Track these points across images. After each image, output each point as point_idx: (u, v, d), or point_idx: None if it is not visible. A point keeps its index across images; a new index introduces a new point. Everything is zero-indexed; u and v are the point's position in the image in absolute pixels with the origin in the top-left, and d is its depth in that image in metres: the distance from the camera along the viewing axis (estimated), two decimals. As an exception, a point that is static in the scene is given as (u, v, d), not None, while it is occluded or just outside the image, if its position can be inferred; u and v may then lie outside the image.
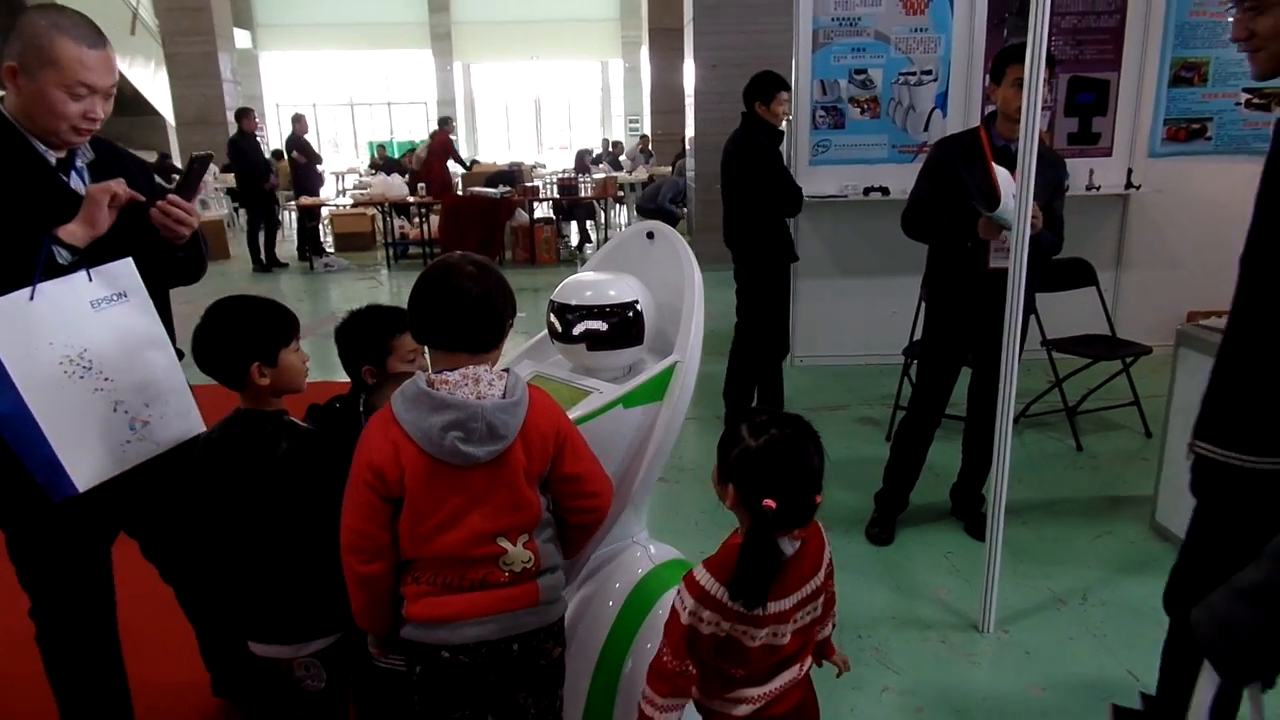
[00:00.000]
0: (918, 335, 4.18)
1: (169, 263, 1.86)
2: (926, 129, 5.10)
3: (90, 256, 1.68)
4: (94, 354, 1.69)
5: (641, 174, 11.93)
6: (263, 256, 9.49)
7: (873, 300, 5.26)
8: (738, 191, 4.08)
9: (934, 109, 5.10)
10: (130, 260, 1.76)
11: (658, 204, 10.08)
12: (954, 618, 2.74)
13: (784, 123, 5.17)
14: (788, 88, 4.07)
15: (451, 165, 11.43)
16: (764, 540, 1.34)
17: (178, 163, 13.82)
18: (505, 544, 1.49)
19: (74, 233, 1.65)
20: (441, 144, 12.15)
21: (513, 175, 11.04)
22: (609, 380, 1.92)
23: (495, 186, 10.13)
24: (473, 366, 1.49)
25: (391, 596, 1.55)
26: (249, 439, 1.70)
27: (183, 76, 13.15)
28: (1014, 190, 2.64)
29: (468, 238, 9.47)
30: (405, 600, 1.53)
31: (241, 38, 16.98)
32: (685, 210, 9.58)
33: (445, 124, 12.65)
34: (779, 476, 1.35)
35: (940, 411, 3.21)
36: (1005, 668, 2.50)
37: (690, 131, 8.85)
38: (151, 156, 16.21)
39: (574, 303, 1.90)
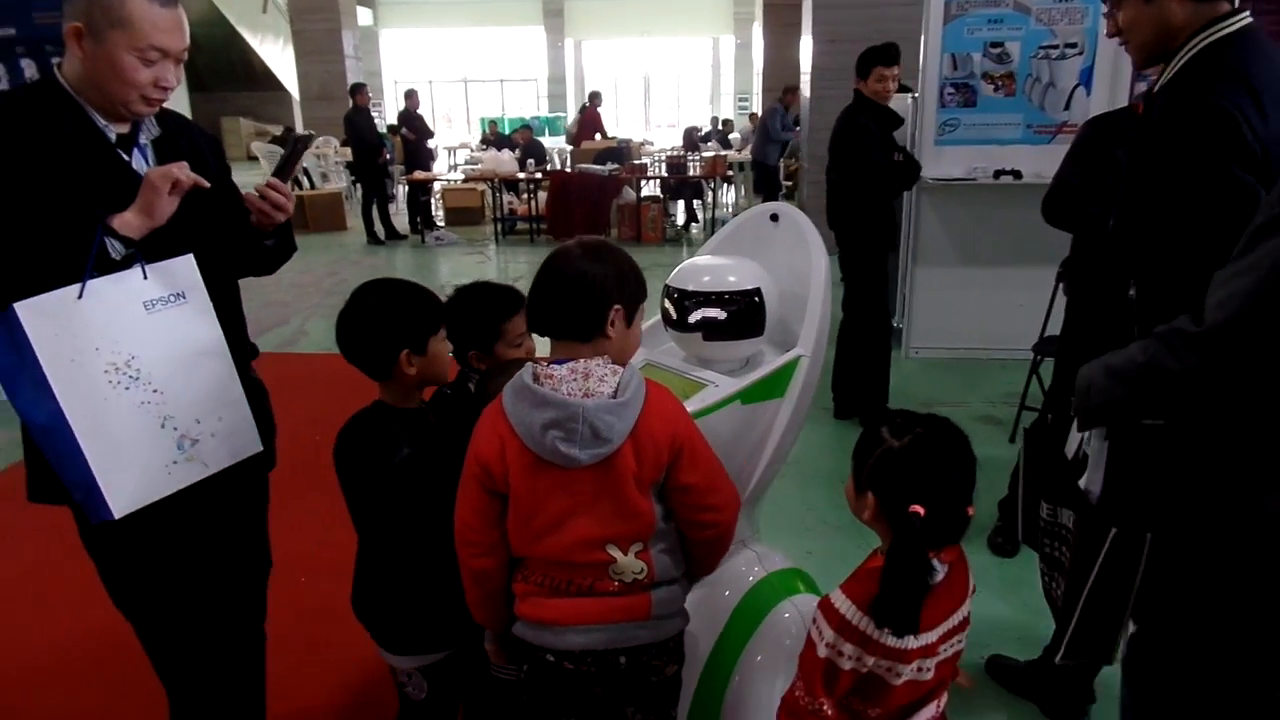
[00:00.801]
0: (1051, 330, 3.89)
1: (253, 251, 1.68)
2: (1067, 107, 4.72)
3: (146, 250, 1.48)
4: (143, 361, 1.47)
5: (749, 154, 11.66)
6: (377, 229, 9.72)
7: (999, 291, 4.93)
8: (835, 170, 4.03)
9: (1077, 86, 4.71)
10: (191, 257, 1.54)
11: (773, 138, 9.86)
12: (1087, 643, 2.50)
13: (908, 99, 4.93)
14: (890, 63, 3.87)
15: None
16: (913, 553, 1.19)
17: (301, 137, 14.34)
18: (615, 553, 1.38)
19: (129, 223, 1.43)
20: (591, 118, 12.32)
21: (620, 152, 10.95)
22: (725, 372, 1.80)
23: (603, 164, 10.07)
24: (584, 360, 1.37)
25: (504, 593, 1.49)
26: (370, 439, 1.62)
27: (308, 53, 13.59)
28: None
29: (575, 215, 9.46)
30: (515, 597, 1.47)
31: (363, 15, 17.45)
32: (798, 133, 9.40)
33: (595, 99, 12.80)
34: (926, 479, 1.21)
35: None
36: (1147, 704, 2.26)
37: (805, 110, 8.56)
38: (278, 129, 16.96)
39: (690, 288, 1.78)
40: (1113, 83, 4.66)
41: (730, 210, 11.45)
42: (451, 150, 15.91)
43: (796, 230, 1.87)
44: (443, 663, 1.72)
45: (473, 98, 23.52)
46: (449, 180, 11.30)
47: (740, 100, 20.55)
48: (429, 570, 1.61)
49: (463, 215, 10.95)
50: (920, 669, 1.25)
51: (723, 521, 1.45)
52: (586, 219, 9.48)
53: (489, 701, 1.84)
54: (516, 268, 8.40)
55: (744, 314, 1.75)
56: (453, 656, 1.72)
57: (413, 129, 10.52)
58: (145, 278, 1.48)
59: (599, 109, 12.98)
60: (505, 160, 10.45)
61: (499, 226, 10.14)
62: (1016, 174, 4.71)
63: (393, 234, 9.89)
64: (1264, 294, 1.09)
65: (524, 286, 1.77)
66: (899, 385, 4.41)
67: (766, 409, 1.71)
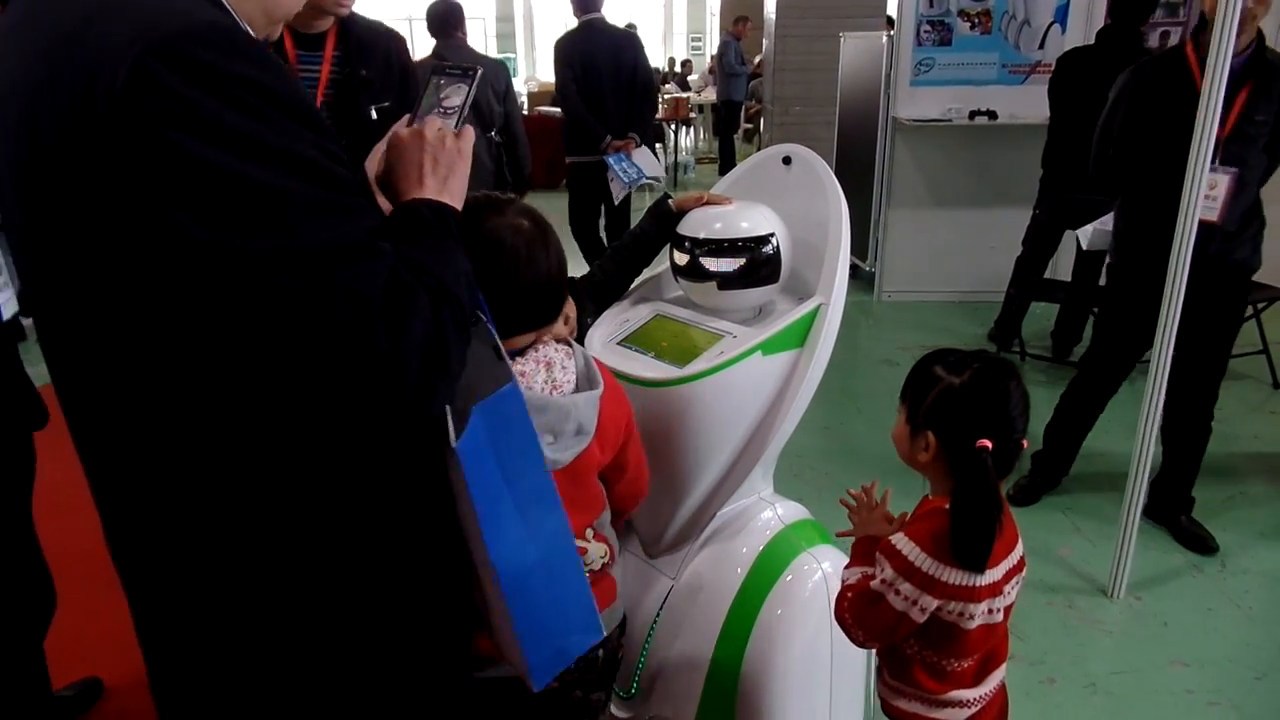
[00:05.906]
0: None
1: None
2: (1041, 46, 4.69)
3: None
4: None
5: (712, 95, 11.40)
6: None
7: (971, 233, 4.95)
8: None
9: (1052, 23, 4.68)
10: None
11: (731, 72, 9.72)
12: (1080, 581, 2.55)
13: (883, 37, 4.84)
14: None
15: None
16: (985, 487, 1.17)
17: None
18: (584, 544, 1.33)
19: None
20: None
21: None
22: (738, 322, 1.74)
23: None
24: (541, 347, 1.23)
25: None
26: None
27: (245, -10, 12.91)
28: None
29: (535, 161, 9.20)
30: None
31: (301, -50, 16.63)
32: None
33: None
34: (992, 413, 1.20)
35: (1126, 371, 2.84)
36: (1141, 638, 2.32)
37: (768, 50, 8.39)
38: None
39: (702, 236, 1.70)
40: (1088, 21, 4.63)
41: (691, 154, 11.29)
42: (401, 94, 15.36)
43: (811, 173, 1.80)
44: None
45: (418, 39, 22.71)
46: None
47: (694, 40, 20.13)
48: None
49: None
50: (990, 610, 1.23)
51: (642, 497, 1.48)
52: (548, 165, 9.26)
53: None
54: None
55: (759, 261, 1.69)
56: None
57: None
58: None
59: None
60: (461, 104, 10.11)
61: (456, 173, 9.86)
62: (992, 114, 4.68)
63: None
64: None
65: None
66: (873, 330, 4.40)
67: (787, 360, 1.66)
